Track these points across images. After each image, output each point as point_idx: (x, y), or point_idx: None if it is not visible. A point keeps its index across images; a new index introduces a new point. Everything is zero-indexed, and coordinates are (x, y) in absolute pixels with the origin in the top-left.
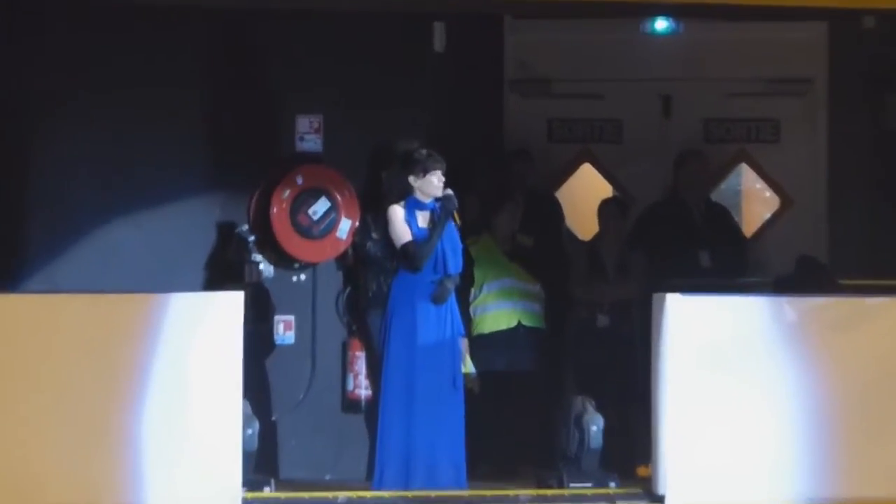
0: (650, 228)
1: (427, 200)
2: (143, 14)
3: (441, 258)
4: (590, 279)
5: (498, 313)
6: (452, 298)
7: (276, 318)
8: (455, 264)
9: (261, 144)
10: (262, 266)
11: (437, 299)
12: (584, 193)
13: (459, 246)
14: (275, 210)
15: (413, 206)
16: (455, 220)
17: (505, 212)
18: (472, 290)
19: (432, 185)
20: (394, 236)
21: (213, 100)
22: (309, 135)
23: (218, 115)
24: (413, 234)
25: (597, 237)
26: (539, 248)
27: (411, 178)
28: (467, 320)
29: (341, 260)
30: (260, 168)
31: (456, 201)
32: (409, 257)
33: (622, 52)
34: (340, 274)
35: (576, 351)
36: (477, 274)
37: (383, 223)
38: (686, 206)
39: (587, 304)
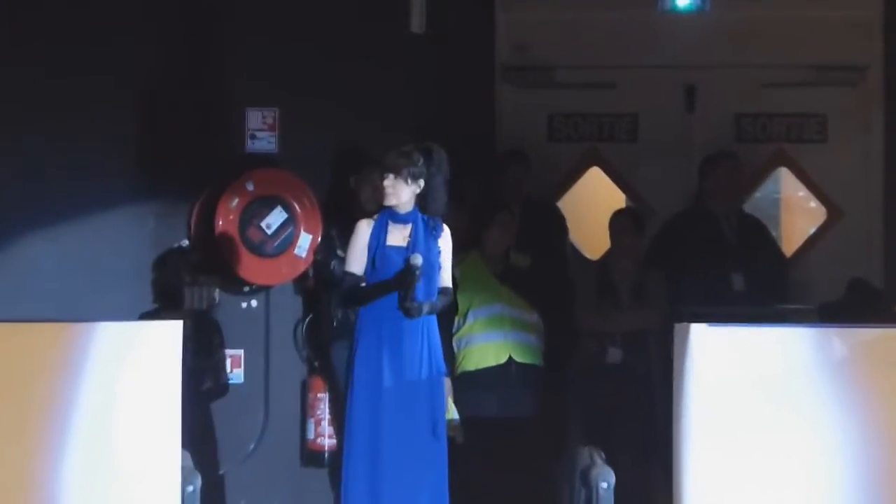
0: (671, 245)
1: (403, 211)
2: None
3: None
4: (599, 306)
5: (486, 347)
6: (430, 329)
7: (224, 352)
8: (426, 292)
9: (203, 144)
10: (205, 290)
11: (410, 315)
12: (592, 203)
13: (435, 269)
14: (220, 223)
15: (388, 218)
16: (407, 293)
17: (496, 225)
18: (456, 320)
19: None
20: (346, 257)
21: (145, 90)
22: (261, 132)
23: (152, 109)
24: (368, 263)
25: (607, 256)
26: (537, 269)
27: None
28: (449, 355)
29: (301, 282)
30: (202, 172)
31: (418, 272)
32: (339, 292)
33: (637, 33)
34: (300, 299)
35: (581, 392)
36: (461, 299)
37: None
38: (714, 218)
39: (595, 336)
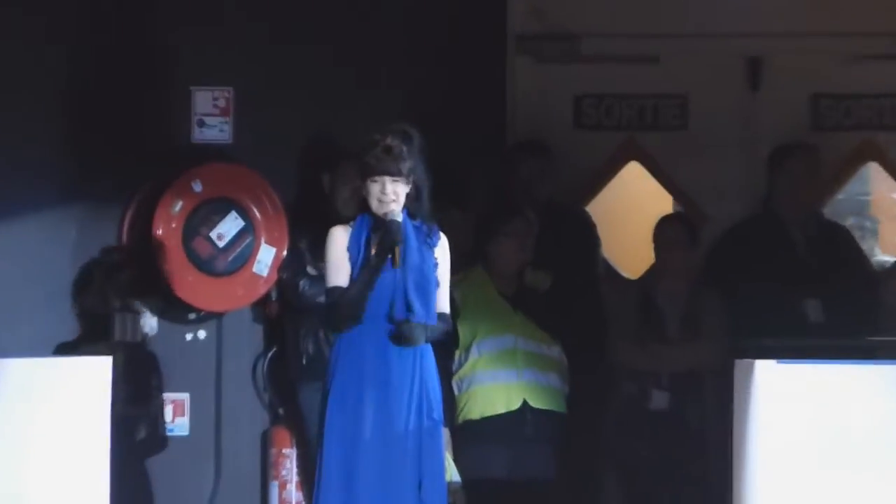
0: (731, 261)
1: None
2: None
3: (395, 299)
4: (640, 338)
5: (494, 389)
6: (425, 365)
7: (164, 396)
8: (423, 313)
9: (138, 133)
10: (141, 317)
11: (399, 340)
12: (631, 208)
13: (432, 284)
14: (160, 232)
15: (367, 226)
16: (395, 259)
17: (508, 235)
18: (457, 355)
19: (373, 198)
20: (325, 272)
21: (68, 67)
22: (212, 117)
23: (71, 89)
24: (354, 271)
25: (650, 274)
26: (560, 291)
27: (361, 183)
28: (448, 398)
29: (261, 308)
30: (137, 168)
31: (399, 232)
32: (327, 310)
33: None
34: (260, 329)
35: (617, 448)
36: (463, 328)
37: (324, 252)
38: (785, 226)
39: (635, 376)
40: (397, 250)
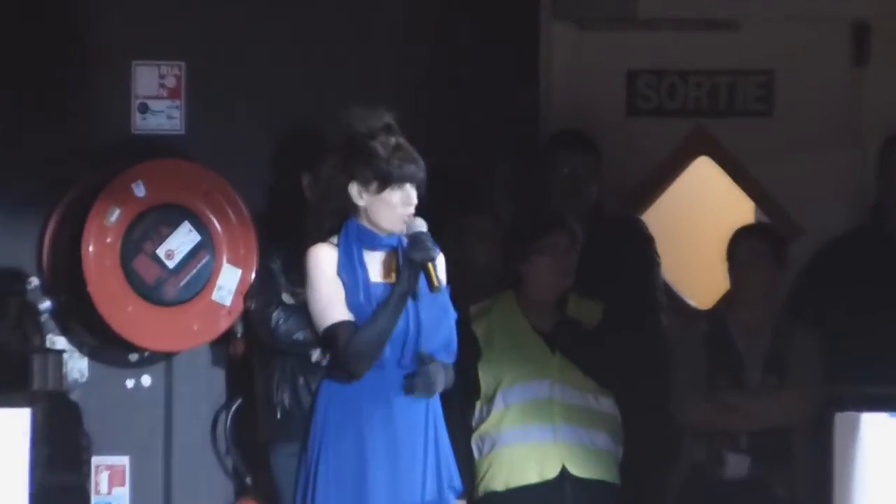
0: (829, 286)
1: (383, 233)
2: None
3: (408, 340)
4: (711, 386)
5: (525, 451)
6: (437, 421)
7: (96, 460)
8: (438, 351)
9: (62, 123)
10: (67, 358)
11: (414, 389)
12: (699, 216)
13: (449, 314)
14: (91, 249)
15: (356, 242)
16: (432, 281)
17: (544, 253)
18: (477, 407)
19: (394, 210)
20: (314, 307)
21: None
22: (158, 101)
23: None
24: (353, 304)
25: (725, 303)
26: (611, 324)
27: (355, 190)
28: (467, 462)
29: (223, 347)
30: (62, 167)
31: (434, 246)
32: (339, 354)
33: None
34: (222, 374)
35: None
36: (485, 374)
37: (304, 275)
38: None
39: (706, 437)
40: (433, 268)
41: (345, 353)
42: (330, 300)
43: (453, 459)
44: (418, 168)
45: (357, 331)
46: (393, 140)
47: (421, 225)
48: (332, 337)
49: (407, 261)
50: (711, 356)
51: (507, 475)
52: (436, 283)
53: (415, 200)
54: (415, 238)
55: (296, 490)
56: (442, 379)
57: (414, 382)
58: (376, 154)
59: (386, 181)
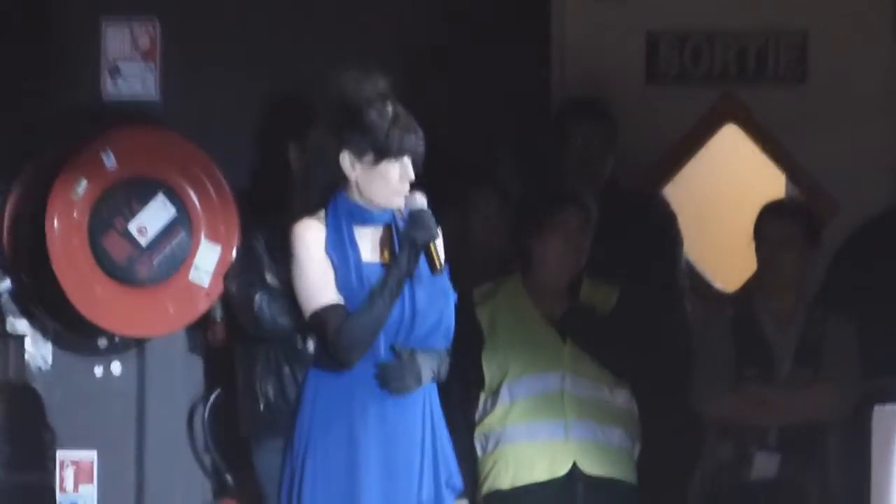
0: (867, 269)
1: (375, 208)
2: None
3: (403, 325)
4: (739, 377)
5: (533, 448)
6: (435, 414)
7: (61, 455)
8: (433, 336)
9: (24, 87)
10: (28, 344)
11: (389, 385)
12: (727, 191)
13: (449, 298)
14: (56, 224)
15: (346, 218)
16: (433, 262)
17: (555, 231)
18: (482, 400)
19: (390, 185)
20: (300, 289)
21: None
22: (130, 63)
23: None
24: (344, 286)
25: (753, 287)
26: (628, 310)
27: (347, 161)
28: (469, 458)
29: (201, 332)
30: (24, 136)
31: (434, 224)
32: (328, 341)
33: None
34: (199, 362)
35: None
36: (490, 365)
37: (289, 254)
38: None
39: (732, 433)
40: (434, 248)
41: (335, 340)
42: (318, 281)
43: (453, 456)
44: (418, 140)
45: (349, 316)
46: (390, 108)
47: (421, 201)
48: (320, 322)
49: (406, 241)
50: (738, 345)
51: (514, 473)
52: (438, 264)
53: (412, 175)
54: (415, 216)
55: (280, 489)
56: (423, 371)
57: (384, 375)
58: (373, 123)
59: (383, 153)
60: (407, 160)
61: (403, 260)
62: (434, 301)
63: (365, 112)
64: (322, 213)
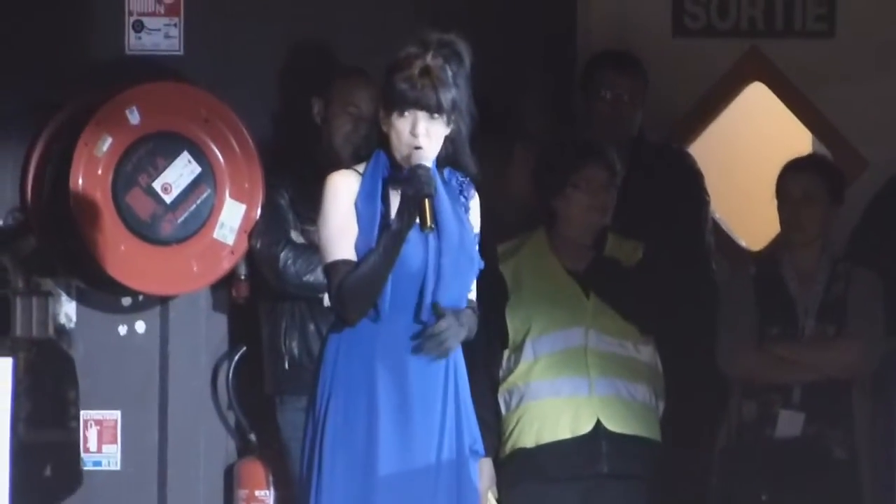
0: (894, 225)
1: (408, 164)
2: None
3: (426, 286)
4: (763, 334)
5: (556, 405)
6: (459, 374)
7: (84, 414)
8: (453, 293)
9: (47, 41)
10: (53, 301)
11: (424, 349)
12: (753, 148)
13: (475, 264)
14: (80, 182)
15: (380, 170)
16: (423, 220)
17: (579, 186)
18: (505, 356)
19: (401, 138)
20: (320, 242)
21: None
22: (154, 18)
23: None
24: (365, 241)
25: (779, 244)
26: (653, 266)
27: (382, 113)
28: (492, 418)
29: (226, 291)
30: (46, 92)
31: (430, 181)
32: (334, 295)
33: None
34: (224, 320)
35: (733, 487)
36: (513, 321)
37: (318, 209)
38: None
39: (756, 391)
40: (428, 205)
41: (335, 295)
42: (337, 234)
43: (476, 422)
44: (434, 95)
45: (348, 273)
46: (420, 62)
47: (423, 158)
48: (329, 275)
49: (403, 196)
50: (762, 303)
51: (538, 431)
52: (428, 222)
53: (420, 131)
54: (411, 172)
55: (303, 446)
56: (459, 332)
57: (423, 343)
58: (390, 75)
59: (392, 103)
60: (420, 115)
61: (398, 216)
62: (459, 266)
63: (398, 64)
64: (361, 167)
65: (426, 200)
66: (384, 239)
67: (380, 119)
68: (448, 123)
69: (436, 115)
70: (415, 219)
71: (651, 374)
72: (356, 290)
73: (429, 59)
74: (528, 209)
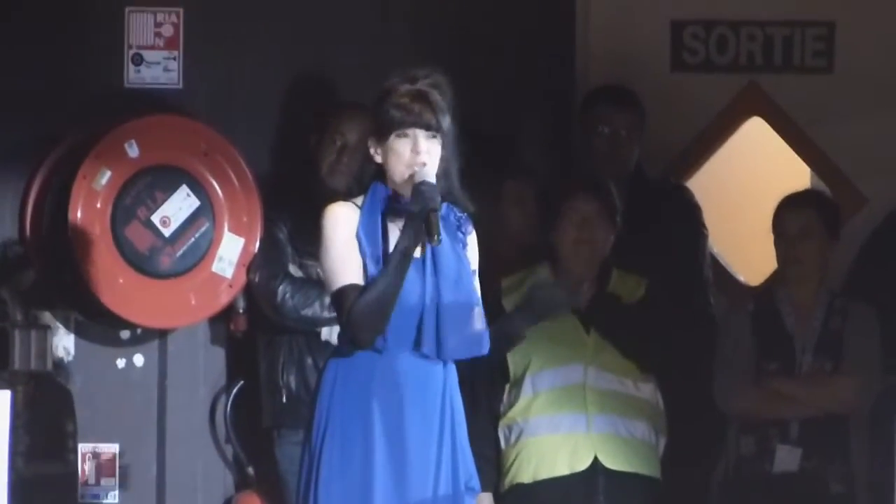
0: (891, 261)
1: (405, 195)
2: None
3: (425, 319)
4: (761, 371)
5: (555, 441)
6: (455, 407)
7: (82, 447)
8: (452, 329)
9: (48, 74)
10: (51, 334)
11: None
12: (752, 183)
13: (474, 299)
14: (79, 215)
15: (379, 204)
16: (430, 233)
17: (566, 219)
18: (506, 391)
19: (401, 160)
20: (326, 269)
21: None
22: (153, 51)
23: None
24: (370, 272)
25: (776, 280)
26: (655, 303)
27: (372, 142)
28: (493, 452)
29: (224, 324)
30: (46, 125)
31: (435, 197)
32: (346, 320)
33: None
34: (221, 354)
35: None
36: (513, 356)
37: (317, 241)
38: None
39: (753, 426)
40: (434, 219)
41: (347, 319)
42: (342, 261)
43: (471, 458)
44: (430, 114)
45: (359, 295)
46: (409, 87)
47: (426, 175)
48: (338, 301)
49: (408, 215)
50: (759, 338)
51: (536, 466)
52: (435, 235)
53: (424, 148)
54: (415, 188)
55: (298, 480)
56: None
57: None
58: (381, 101)
59: (389, 126)
60: (419, 134)
61: (404, 234)
62: (460, 306)
63: (384, 94)
64: (359, 200)
65: (432, 214)
66: (392, 258)
67: (372, 151)
68: (444, 146)
69: (434, 135)
70: (421, 234)
71: (651, 411)
72: (369, 311)
73: (420, 84)
74: (524, 245)
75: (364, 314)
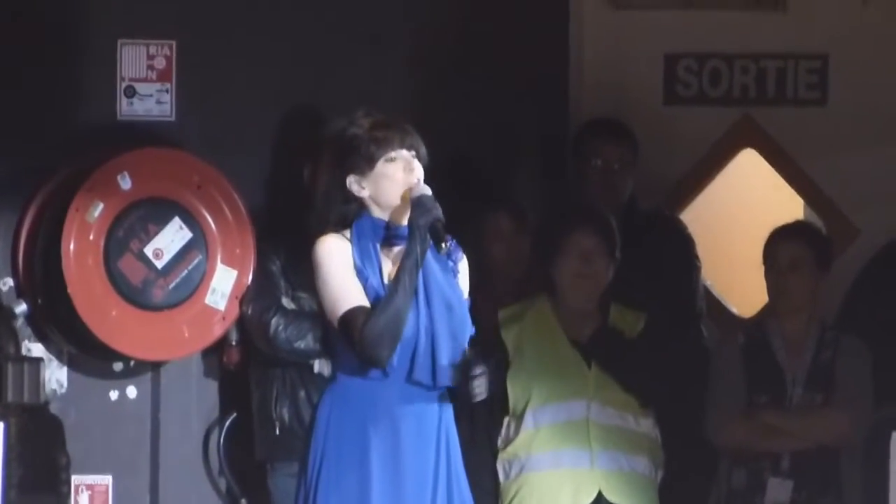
0: (883, 294)
1: (398, 223)
2: None
3: (419, 350)
4: (752, 404)
5: (557, 476)
6: (451, 440)
7: (76, 480)
8: (447, 358)
9: (41, 107)
10: (44, 367)
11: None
12: (745, 215)
13: (467, 328)
14: (72, 247)
15: (369, 235)
16: (438, 243)
17: (568, 253)
18: (505, 424)
19: (396, 181)
20: (327, 298)
21: None
22: (146, 84)
23: None
24: (370, 295)
25: (767, 312)
26: (652, 335)
27: (352, 180)
28: (490, 485)
29: (217, 356)
30: (39, 157)
31: (436, 205)
32: (356, 342)
33: None
34: (215, 386)
35: None
36: (514, 389)
37: (310, 274)
38: None
39: (744, 459)
40: (440, 227)
41: (361, 339)
42: (343, 286)
43: (467, 487)
44: (406, 133)
45: (370, 314)
46: (368, 119)
47: (423, 189)
48: (348, 324)
49: (412, 228)
50: (750, 371)
51: (538, 502)
52: (442, 244)
53: (416, 164)
54: (416, 202)
55: None
56: (480, 382)
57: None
58: (356, 136)
59: (373, 156)
60: (405, 153)
61: (412, 247)
62: (455, 335)
63: (347, 133)
64: (347, 233)
65: (438, 223)
66: (401, 273)
67: (355, 189)
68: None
69: (415, 155)
70: (428, 244)
71: (651, 446)
72: (383, 328)
73: (370, 118)
74: (514, 277)
75: (379, 331)
